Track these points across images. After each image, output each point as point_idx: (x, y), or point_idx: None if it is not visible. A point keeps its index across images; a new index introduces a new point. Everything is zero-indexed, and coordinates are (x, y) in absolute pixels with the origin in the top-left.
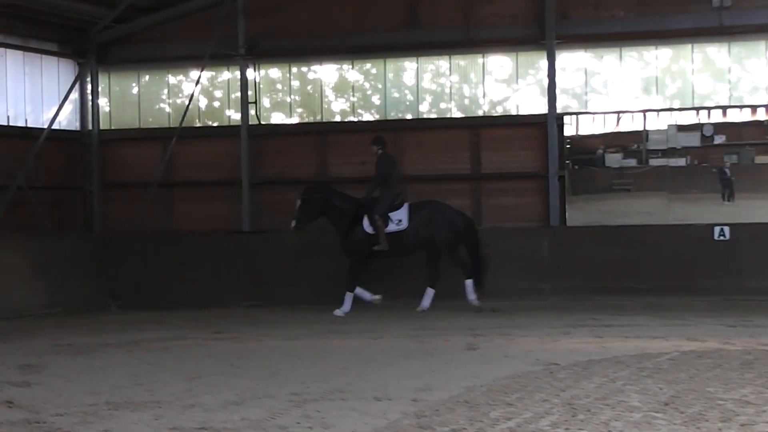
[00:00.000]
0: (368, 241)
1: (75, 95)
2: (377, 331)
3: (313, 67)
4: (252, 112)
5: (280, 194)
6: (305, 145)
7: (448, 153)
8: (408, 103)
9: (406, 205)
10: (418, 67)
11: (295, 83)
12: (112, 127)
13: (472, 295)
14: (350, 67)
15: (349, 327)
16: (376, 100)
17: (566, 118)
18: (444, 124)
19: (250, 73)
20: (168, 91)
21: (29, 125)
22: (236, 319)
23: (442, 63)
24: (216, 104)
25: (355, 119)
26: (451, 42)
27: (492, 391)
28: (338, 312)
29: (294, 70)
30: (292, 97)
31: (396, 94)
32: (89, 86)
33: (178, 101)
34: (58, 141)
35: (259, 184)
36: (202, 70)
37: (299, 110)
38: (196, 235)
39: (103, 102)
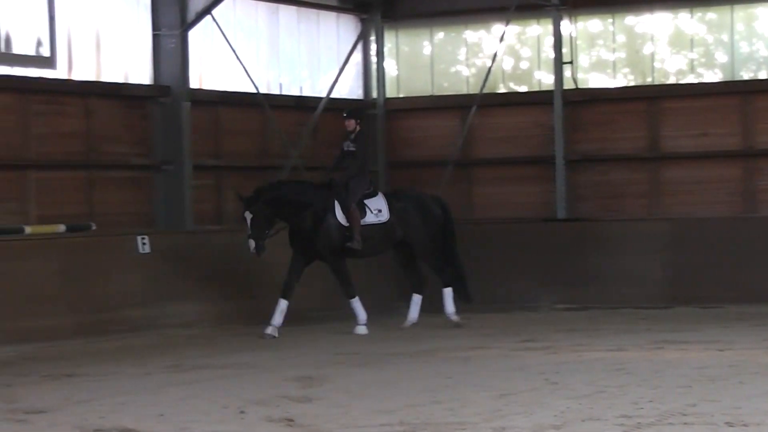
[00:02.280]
0: (340, 237)
1: (357, 58)
2: (723, 341)
3: (641, 18)
4: (567, 73)
5: (602, 174)
6: (632, 114)
7: None
8: (761, 59)
9: (380, 194)
10: None
11: (620, 37)
12: (400, 95)
13: (451, 308)
14: (689, 15)
15: (687, 335)
16: (720, 56)
17: None
18: None
19: (565, 26)
20: (466, 51)
21: (304, 94)
22: (548, 324)
23: None
24: (524, 65)
25: (695, 81)
26: None
27: None
28: (360, 329)
29: (618, 21)
30: (616, 54)
31: (746, 49)
32: (373, 47)
33: (478, 62)
34: (338, 112)
35: (575, 161)
36: (507, 25)
37: (624, 71)
38: (500, 223)
39: (389, 65)
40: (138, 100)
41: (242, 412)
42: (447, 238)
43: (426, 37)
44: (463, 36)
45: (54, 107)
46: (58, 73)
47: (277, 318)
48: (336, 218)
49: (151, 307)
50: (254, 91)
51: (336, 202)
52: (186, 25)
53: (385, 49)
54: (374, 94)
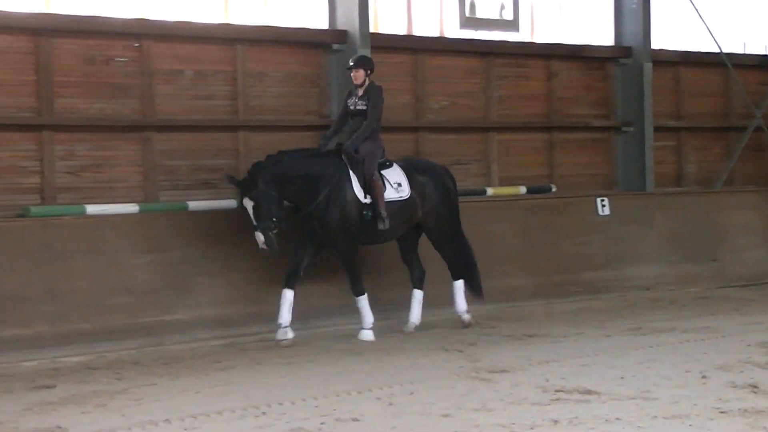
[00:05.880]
0: (358, 216)
1: None
2: None
3: None
4: None
5: None
6: None
7: None
8: None
9: (396, 165)
10: None
11: None
12: None
13: (462, 305)
14: None
15: None
16: None
17: None
18: None
19: None
20: None
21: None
22: None
23: None
24: None
25: None
26: None
27: None
28: (365, 334)
29: None
30: None
31: None
32: None
33: None
34: None
35: None
36: None
37: None
38: None
39: None
40: (599, 62)
41: (704, 376)
42: (456, 220)
43: None
44: None
45: (517, 70)
46: (521, 36)
47: (285, 315)
48: (354, 192)
49: (611, 269)
50: (716, 50)
51: (351, 173)
52: None
53: None
54: None
